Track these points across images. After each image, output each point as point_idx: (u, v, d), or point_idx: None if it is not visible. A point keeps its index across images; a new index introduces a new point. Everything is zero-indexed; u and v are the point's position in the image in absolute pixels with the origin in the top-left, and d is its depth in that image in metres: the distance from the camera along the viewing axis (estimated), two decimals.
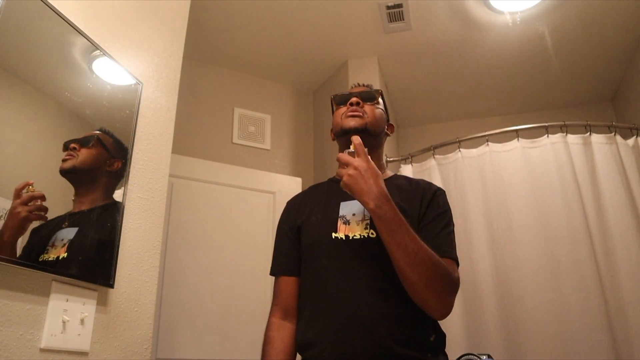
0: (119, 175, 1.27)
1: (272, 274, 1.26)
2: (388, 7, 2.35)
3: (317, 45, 2.67)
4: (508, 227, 2.11)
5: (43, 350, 0.98)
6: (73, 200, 1.13)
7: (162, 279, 2.10)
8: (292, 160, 2.89)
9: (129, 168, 1.31)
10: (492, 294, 2.04)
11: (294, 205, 1.30)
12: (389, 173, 1.33)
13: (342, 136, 1.24)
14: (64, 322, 1.03)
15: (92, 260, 1.14)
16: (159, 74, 1.52)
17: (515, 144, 2.25)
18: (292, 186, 2.68)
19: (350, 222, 1.14)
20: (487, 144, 2.30)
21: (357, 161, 1.03)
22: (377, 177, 1.03)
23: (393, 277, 1.04)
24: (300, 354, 1.14)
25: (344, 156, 1.06)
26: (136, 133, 1.36)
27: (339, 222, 1.14)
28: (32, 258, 0.98)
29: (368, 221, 1.12)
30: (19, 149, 1.00)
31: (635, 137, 2.20)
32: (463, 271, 2.16)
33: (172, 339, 2.09)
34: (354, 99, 1.25)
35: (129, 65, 1.38)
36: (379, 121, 1.26)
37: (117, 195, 1.26)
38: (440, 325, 1.13)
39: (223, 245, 2.36)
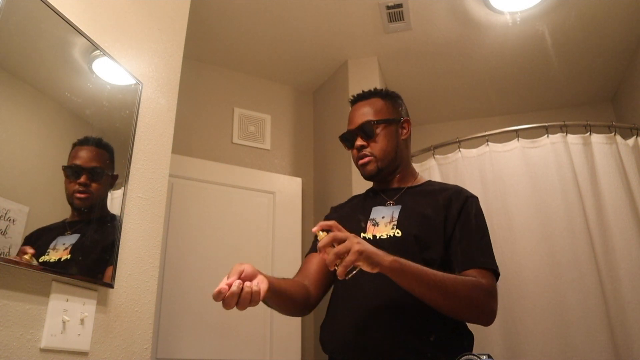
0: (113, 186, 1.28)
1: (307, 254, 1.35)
2: (388, 7, 2.35)
3: (317, 45, 2.66)
4: (508, 227, 2.11)
5: (43, 350, 0.98)
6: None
7: (162, 279, 2.09)
8: (292, 160, 2.89)
9: (129, 168, 1.31)
10: None
11: (333, 210, 1.39)
12: (422, 179, 1.35)
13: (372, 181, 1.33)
14: (64, 322, 1.03)
15: (92, 260, 1.14)
16: (159, 74, 1.52)
17: (515, 144, 2.25)
18: (292, 186, 2.68)
19: (379, 223, 1.20)
20: (487, 144, 2.30)
21: (348, 234, 0.94)
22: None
23: None
24: (324, 348, 1.18)
25: (324, 240, 0.93)
26: (136, 133, 1.36)
27: (369, 224, 1.21)
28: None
29: (395, 222, 1.18)
30: (19, 149, 1.00)
31: (635, 137, 2.20)
32: None
33: (172, 339, 2.09)
34: (357, 144, 1.27)
35: (129, 65, 1.38)
36: (387, 151, 1.27)
37: (116, 197, 1.26)
38: None
39: (223, 245, 2.36)
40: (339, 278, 0.91)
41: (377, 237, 1.17)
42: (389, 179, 1.31)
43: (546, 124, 2.26)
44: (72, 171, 1.10)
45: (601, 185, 2.07)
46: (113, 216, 1.23)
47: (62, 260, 1.06)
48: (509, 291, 2.02)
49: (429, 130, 3.35)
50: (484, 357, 1.08)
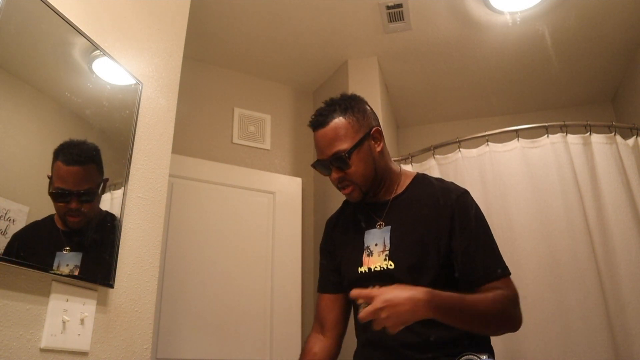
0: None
1: (318, 290, 1.33)
2: (388, 7, 2.35)
3: (317, 45, 2.66)
4: (508, 226, 2.11)
5: (43, 350, 0.98)
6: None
7: (162, 279, 2.09)
8: (292, 160, 2.89)
9: (129, 168, 1.31)
10: None
11: (330, 228, 1.35)
12: (407, 180, 1.26)
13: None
14: (64, 322, 1.03)
15: (92, 260, 1.14)
16: (159, 74, 1.52)
17: (515, 144, 2.25)
18: (292, 186, 2.68)
19: (373, 252, 1.17)
20: (487, 144, 2.30)
21: (375, 302, 0.94)
22: (405, 292, 0.96)
23: None
24: None
25: (368, 310, 0.94)
26: (136, 133, 1.36)
27: (364, 255, 1.18)
28: (32, 259, 0.98)
29: (387, 252, 1.14)
30: (19, 149, 1.00)
31: (635, 137, 2.20)
32: None
33: (172, 339, 2.09)
34: (334, 176, 1.17)
35: (129, 65, 1.38)
36: (366, 175, 1.17)
37: (116, 197, 1.26)
38: None
39: (223, 245, 2.36)
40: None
41: (372, 270, 1.15)
42: (376, 194, 1.24)
43: (546, 124, 2.26)
44: (59, 196, 1.02)
45: (601, 185, 2.07)
46: (112, 216, 1.23)
47: (74, 274, 1.08)
48: None
49: (429, 130, 3.35)
50: (484, 357, 1.08)
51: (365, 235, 1.20)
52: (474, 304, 1.01)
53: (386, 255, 1.13)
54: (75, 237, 1.11)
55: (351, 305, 1.26)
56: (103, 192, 1.19)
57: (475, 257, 1.10)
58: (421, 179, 1.26)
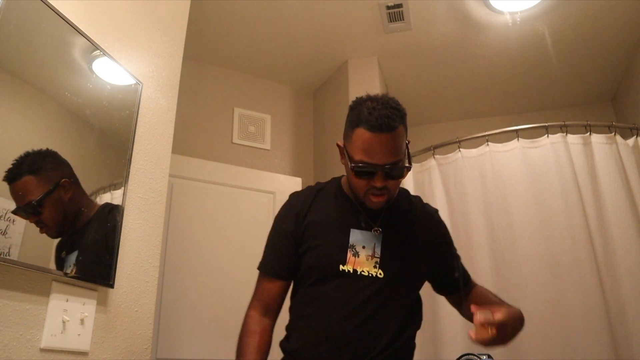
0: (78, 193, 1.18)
1: (261, 269, 1.22)
2: (388, 7, 2.35)
3: (317, 45, 2.66)
4: (508, 227, 2.11)
5: (43, 350, 0.98)
6: None
7: (162, 279, 2.09)
8: (292, 160, 2.89)
9: (129, 168, 1.31)
10: None
11: (298, 208, 1.21)
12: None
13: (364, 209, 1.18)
14: (64, 322, 1.03)
15: (92, 260, 1.14)
16: (159, 74, 1.52)
17: (515, 144, 2.25)
18: (292, 186, 2.67)
19: (360, 254, 1.13)
20: (487, 144, 2.30)
21: (499, 320, 0.98)
22: (511, 318, 1.06)
23: (395, 317, 1.11)
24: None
25: (485, 318, 0.98)
26: (136, 133, 1.36)
27: (349, 253, 1.13)
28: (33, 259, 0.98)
29: (378, 259, 1.13)
30: (19, 149, 1.00)
31: (635, 137, 2.20)
32: None
33: (172, 339, 2.09)
34: (379, 184, 1.07)
35: (129, 65, 1.38)
36: (399, 185, 1.16)
37: (116, 197, 1.26)
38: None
39: (223, 245, 2.36)
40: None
41: (358, 272, 1.11)
42: None
43: (546, 124, 2.26)
44: (21, 214, 1.00)
45: (601, 185, 2.07)
46: (104, 207, 1.22)
47: (72, 273, 1.09)
48: (508, 291, 2.01)
49: (429, 130, 3.35)
50: (484, 357, 1.08)
51: (351, 234, 1.15)
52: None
53: (376, 262, 1.12)
54: (67, 242, 1.11)
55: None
56: (68, 188, 1.14)
57: (458, 267, 1.28)
58: (404, 193, 1.27)
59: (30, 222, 1.01)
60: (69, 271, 1.07)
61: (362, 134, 1.06)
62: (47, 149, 1.08)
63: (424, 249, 1.19)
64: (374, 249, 1.14)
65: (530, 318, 1.94)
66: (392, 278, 1.12)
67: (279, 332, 1.20)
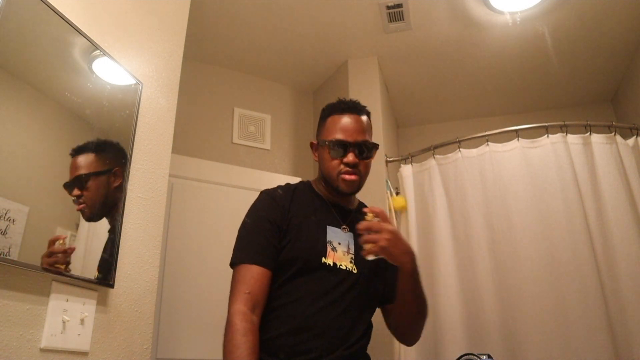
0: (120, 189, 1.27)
1: (245, 261, 1.17)
2: (388, 7, 2.35)
3: (317, 45, 2.66)
4: (508, 227, 2.11)
5: (43, 350, 0.98)
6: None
7: (162, 279, 2.09)
8: (292, 160, 2.89)
9: (129, 168, 1.31)
10: (492, 294, 2.04)
11: (278, 204, 1.26)
12: (357, 201, 1.39)
13: (335, 191, 1.29)
14: (64, 322, 1.03)
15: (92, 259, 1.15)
16: (159, 74, 1.52)
17: (515, 144, 2.25)
18: None
19: (337, 249, 1.22)
20: (487, 144, 2.30)
21: (389, 226, 1.09)
22: (406, 239, 1.13)
23: (367, 310, 1.24)
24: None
25: (375, 224, 1.09)
26: (136, 133, 1.36)
27: (328, 248, 1.21)
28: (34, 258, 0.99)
29: (352, 256, 1.23)
30: (19, 149, 1.00)
31: (635, 137, 2.20)
32: (463, 271, 2.17)
33: (172, 339, 2.09)
34: (351, 159, 1.22)
35: (129, 65, 1.38)
36: (368, 173, 1.29)
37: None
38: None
39: (223, 245, 2.34)
40: (364, 255, 1.08)
41: (338, 266, 1.20)
42: (346, 197, 1.32)
43: (546, 124, 2.26)
44: (67, 187, 1.09)
45: (601, 185, 2.07)
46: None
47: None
48: (508, 291, 2.02)
49: (429, 130, 3.35)
50: (484, 357, 1.08)
51: (328, 230, 1.24)
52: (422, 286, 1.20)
53: (351, 258, 1.22)
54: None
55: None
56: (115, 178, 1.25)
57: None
58: (362, 204, 1.38)
59: (72, 195, 1.08)
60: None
61: (334, 118, 1.28)
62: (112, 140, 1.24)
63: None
64: (349, 246, 1.24)
65: (530, 318, 1.96)
66: (363, 274, 1.22)
67: None
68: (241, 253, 1.20)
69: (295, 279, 1.18)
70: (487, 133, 2.33)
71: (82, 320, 1.08)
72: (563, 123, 2.24)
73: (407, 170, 2.48)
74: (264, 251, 1.19)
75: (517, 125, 2.30)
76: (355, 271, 1.21)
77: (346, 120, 1.26)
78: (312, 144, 1.35)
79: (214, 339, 2.16)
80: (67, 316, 1.04)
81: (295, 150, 2.92)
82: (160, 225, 1.40)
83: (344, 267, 1.20)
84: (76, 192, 1.09)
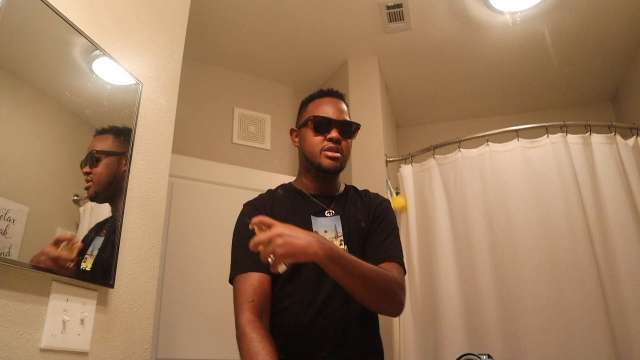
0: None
1: (238, 273, 1.18)
2: (388, 7, 2.35)
3: (317, 45, 2.66)
4: (508, 227, 2.11)
5: (43, 350, 0.98)
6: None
7: (162, 279, 2.09)
8: (292, 160, 2.88)
9: (129, 168, 1.31)
10: (492, 294, 2.04)
11: (260, 210, 1.27)
12: (343, 186, 1.40)
13: (317, 170, 1.30)
14: (64, 322, 1.03)
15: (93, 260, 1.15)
16: (159, 74, 1.52)
17: (515, 144, 2.25)
18: None
19: (326, 237, 1.20)
20: (487, 144, 2.30)
21: (275, 229, 0.97)
22: (303, 231, 1.00)
23: None
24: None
25: (261, 236, 0.97)
26: (136, 133, 1.36)
27: None
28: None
29: (342, 237, 1.24)
30: (19, 149, 1.00)
31: (635, 137, 2.20)
32: (463, 271, 2.17)
33: (172, 339, 2.09)
34: (334, 134, 1.27)
35: (129, 65, 1.38)
36: (349, 154, 1.33)
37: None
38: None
39: (223, 245, 2.35)
40: (272, 271, 0.97)
41: None
42: (328, 183, 1.34)
43: (546, 124, 2.26)
44: (81, 163, 1.15)
45: (601, 185, 2.07)
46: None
47: (88, 268, 1.12)
48: (509, 291, 2.02)
49: (429, 130, 3.35)
50: (484, 357, 1.08)
51: (313, 220, 1.25)
52: (361, 263, 1.06)
53: (341, 240, 1.24)
54: (107, 222, 1.20)
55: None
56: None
57: (379, 240, 1.26)
58: (352, 188, 1.41)
59: (83, 172, 1.13)
60: (94, 255, 1.14)
61: (315, 102, 1.34)
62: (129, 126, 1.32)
63: (368, 228, 1.28)
64: (336, 229, 1.25)
65: (530, 318, 1.96)
66: (353, 250, 1.22)
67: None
68: (234, 266, 1.22)
69: (291, 276, 1.18)
70: (487, 133, 2.33)
71: (82, 320, 1.08)
72: (563, 123, 2.24)
73: (407, 170, 2.48)
74: (253, 256, 1.13)
75: (517, 125, 2.30)
76: (346, 249, 1.22)
77: (329, 101, 1.33)
78: (292, 130, 1.39)
79: (214, 339, 2.18)
80: (67, 316, 1.04)
81: (295, 150, 2.91)
82: (160, 225, 1.40)
83: None
84: (86, 169, 1.14)
